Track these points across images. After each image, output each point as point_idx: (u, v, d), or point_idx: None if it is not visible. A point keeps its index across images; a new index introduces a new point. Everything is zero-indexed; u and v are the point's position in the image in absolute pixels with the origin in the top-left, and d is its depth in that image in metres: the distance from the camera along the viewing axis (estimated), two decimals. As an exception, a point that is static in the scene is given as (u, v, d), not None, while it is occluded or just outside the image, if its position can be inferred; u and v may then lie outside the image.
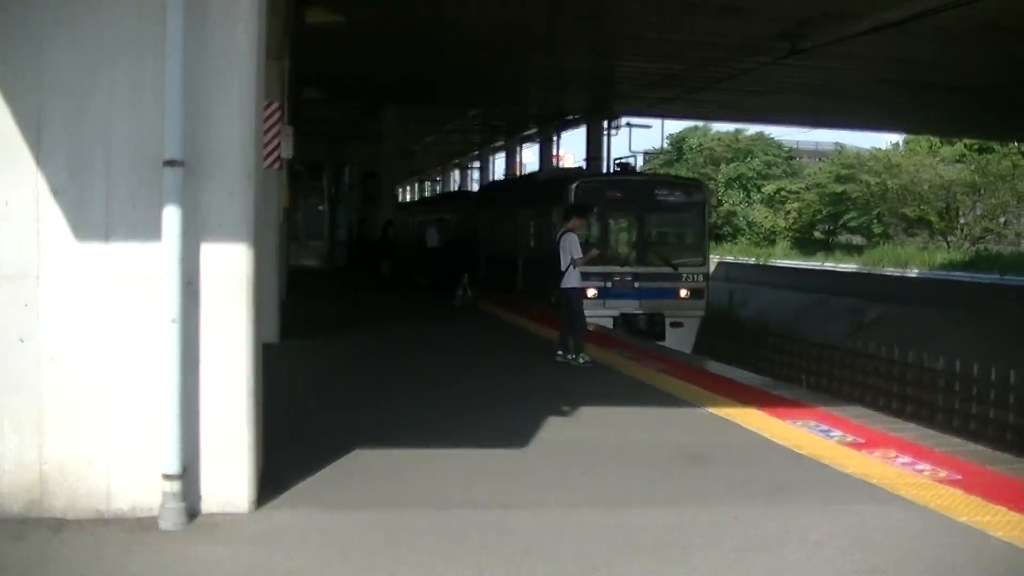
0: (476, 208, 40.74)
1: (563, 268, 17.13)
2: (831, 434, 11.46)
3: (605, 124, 42.62)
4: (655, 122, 45.89)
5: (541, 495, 8.87)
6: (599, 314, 24.53)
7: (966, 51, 26.38)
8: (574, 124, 46.12)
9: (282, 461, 9.03)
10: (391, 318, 25.06)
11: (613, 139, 42.90)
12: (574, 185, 27.16)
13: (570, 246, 17.19)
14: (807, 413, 12.66)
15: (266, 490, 8.24)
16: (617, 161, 32.71)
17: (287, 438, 9.90)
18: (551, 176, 34.57)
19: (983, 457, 10.66)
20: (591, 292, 23.83)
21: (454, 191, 68.27)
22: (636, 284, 26.63)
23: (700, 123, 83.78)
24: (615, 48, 30.88)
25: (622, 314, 26.22)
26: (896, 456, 10.42)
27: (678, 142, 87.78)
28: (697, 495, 9.03)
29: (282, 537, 7.51)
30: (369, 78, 36.37)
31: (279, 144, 16.96)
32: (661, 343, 24.59)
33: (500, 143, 57.58)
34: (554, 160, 50.06)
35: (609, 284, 26.15)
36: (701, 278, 27.35)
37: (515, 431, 11.17)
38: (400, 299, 30.96)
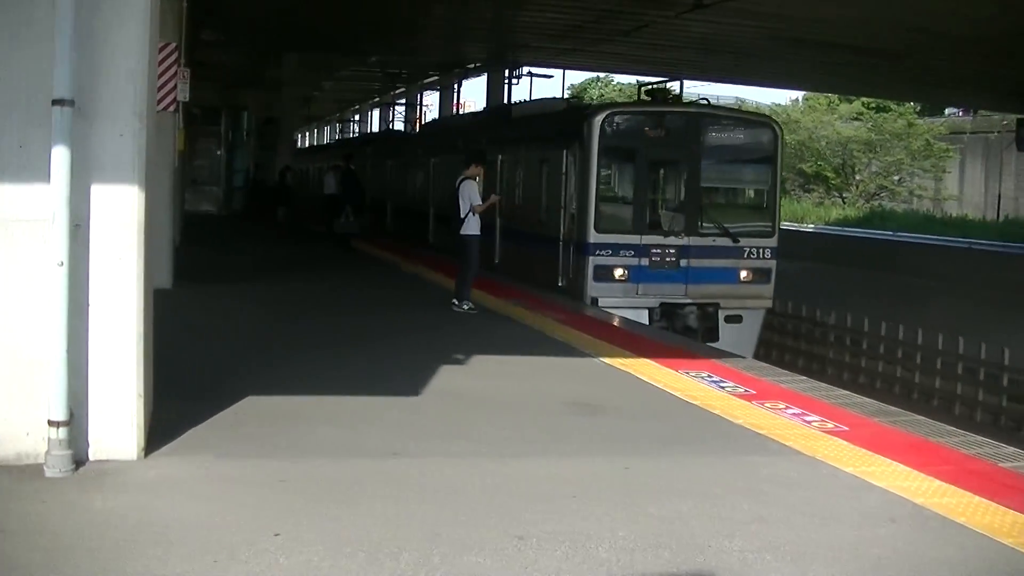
0: (416, 153, 33.38)
1: (462, 215, 17.14)
2: (723, 385, 11.63)
3: (506, 73, 42.46)
4: (557, 72, 45.84)
5: (434, 444, 8.86)
6: (630, 304, 19.03)
7: (864, 11, 26.64)
8: (476, 73, 45.85)
9: (173, 409, 8.90)
10: (287, 265, 24.76)
11: (514, 88, 42.79)
12: (600, 118, 19.38)
13: (469, 193, 17.20)
14: (700, 364, 12.83)
15: (156, 438, 8.13)
16: (649, 88, 22.17)
17: (179, 385, 9.74)
18: (547, 109, 25.45)
19: (870, 409, 10.92)
20: (618, 272, 19.02)
21: (366, 134, 65.09)
22: (683, 262, 19.50)
23: (602, 74, 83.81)
24: (519, -4, 30.60)
25: (662, 304, 19.26)
26: (786, 407, 10.61)
27: (579, 93, 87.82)
28: (589, 445, 9.10)
29: (170, 485, 7.41)
30: (268, 23, 35.77)
31: (175, 86, 16.62)
32: (712, 344, 18.42)
33: (401, 90, 57.13)
34: (455, 108, 49.79)
35: (644, 261, 19.18)
36: (768, 253, 20.08)
37: (410, 380, 11.13)
38: (296, 246, 30.69)
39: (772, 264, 20.08)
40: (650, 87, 22.02)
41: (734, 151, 20.69)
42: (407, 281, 22.94)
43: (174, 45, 16.95)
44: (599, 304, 18.69)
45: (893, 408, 10.92)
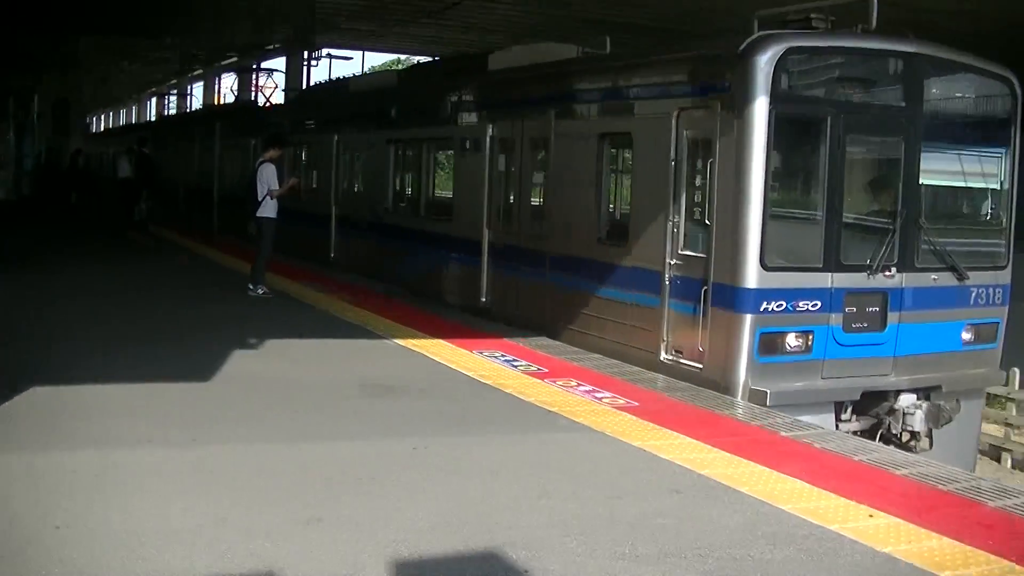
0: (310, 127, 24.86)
1: (259, 199, 16.85)
2: (516, 364, 11.71)
3: (305, 55, 41.86)
4: (356, 54, 45.38)
5: (226, 430, 8.68)
6: (814, 398, 11.34)
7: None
8: (276, 54, 45.07)
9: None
10: (79, 251, 23.90)
11: (314, 71, 42.26)
12: (771, 56, 10.95)
13: (268, 177, 16.92)
14: (493, 344, 12.88)
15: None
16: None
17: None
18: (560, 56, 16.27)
19: (660, 384, 11.17)
20: (794, 341, 11.15)
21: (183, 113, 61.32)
22: (890, 317, 11.68)
23: (402, 57, 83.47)
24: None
25: (864, 394, 11.64)
26: (578, 385, 10.74)
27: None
28: (382, 427, 9.04)
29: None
30: (60, 4, 34.43)
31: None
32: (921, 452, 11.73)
33: (199, 72, 55.81)
34: (254, 90, 48.88)
35: (836, 319, 11.35)
36: (999, 296, 12.59)
37: (204, 365, 10.88)
38: (90, 230, 29.68)
39: (1002, 314, 12.66)
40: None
41: (963, 124, 12.80)
42: (202, 266, 22.39)
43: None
44: (769, 402, 10.75)
45: (683, 383, 11.15)
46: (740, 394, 10.91)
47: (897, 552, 6.30)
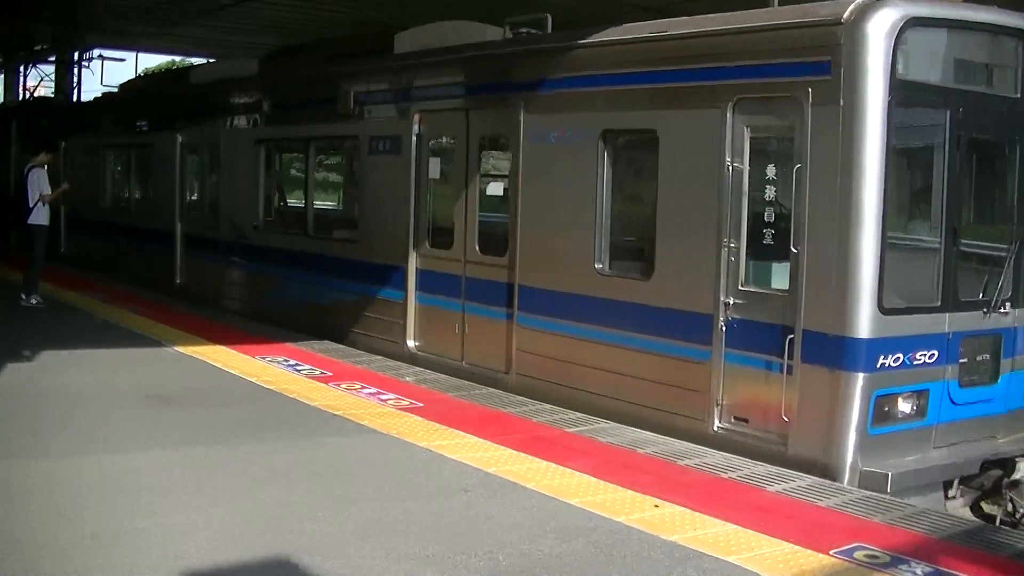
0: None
1: (31, 205, 16.24)
2: (299, 368, 11.57)
3: (76, 56, 40.40)
4: (130, 55, 44.02)
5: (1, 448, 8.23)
6: (929, 476, 8.90)
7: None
8: (44, 55, 43.32)
9: None
10: None
11: (85, 73, 40.73)
12: (886, 27, 8.41)
13: (38, 181, 16.36)
14: (276, 349, 12.70)
15: None
16: None
17: None
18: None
19: (444, 385, 11.14)
20: (906, 406, 8.81)
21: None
22: (1004, 362, 9.52)
23: (177, 59, 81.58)
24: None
25: (984, 464, 9.11)
26: (362, 387, 10.69)
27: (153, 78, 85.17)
28: (166, 437, 8.74)
29: None
30: None
31: None
32: None
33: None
34: (23, 91, 46.81)
35: (952, 372, 9.08)
36: None
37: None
38: None
39: None
40: None
41: None
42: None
43: None
44: (890, 488, 8.27)
45: (466, 383, 11.18)
46: (847, 478, 8.34)
47: (683, 540, 6.45)
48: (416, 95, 13.04)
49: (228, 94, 17.62)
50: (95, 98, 29.72)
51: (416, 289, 12.68)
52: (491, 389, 10.98)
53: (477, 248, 11.87)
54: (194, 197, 18.89)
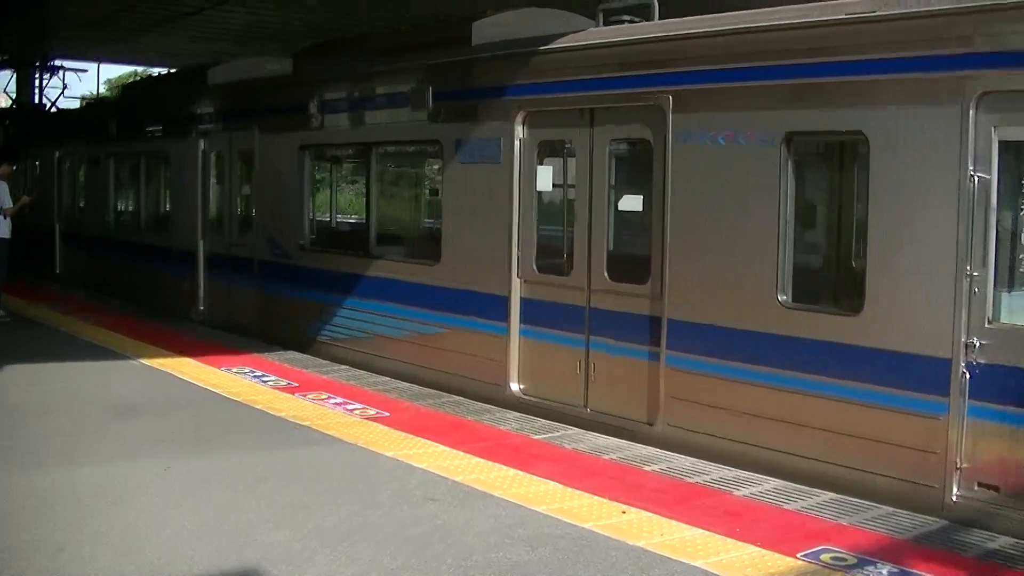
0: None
1: None
2: (266, 379, 11.53)
3: (38, 66, 40.11)
4: (92, 66, 43.73)
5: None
6: None
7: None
8: (4, 67, 42.99)
9: None
10: None
11: (47, 83, 40.41)
12: None
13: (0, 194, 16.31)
14: (242, 360, 12.65)
15: None
16: None
17: None
18: None
19: (410, 394, 11.11)
20: None
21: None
22: None
23: (140, 69, 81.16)
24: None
25: None
26: (328, 397, 10.66)
27: (118, 88, 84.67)
28: (132, 448, 8.69)
29: None
30: None
31: None
32: None
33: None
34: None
35: None
36: None
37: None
38: None
39: None
40: None
41: None
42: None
43: None
44: None
45: (433, 391, 11.16)
46: None
47: (651, 545, 6.45)
48: (518, 91, 11.09)
49: (264, 94, 15.60)
50: (89, 103, 28.73)
51: (522, 321, 10.87)
52: (455, 397, 10.92)
53: (606, 274, 10.12)
54: (222, 211, 16.54)
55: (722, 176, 9.05)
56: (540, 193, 10.89)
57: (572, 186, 10.60)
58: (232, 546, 6.33)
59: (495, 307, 10.94)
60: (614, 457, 8.71)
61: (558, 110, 10.64)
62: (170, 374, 11.86)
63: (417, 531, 6.72)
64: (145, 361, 12.58)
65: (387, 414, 9.97)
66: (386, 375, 12.08)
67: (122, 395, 10.85)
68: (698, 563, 6.15)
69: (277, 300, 14.69)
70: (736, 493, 7.74)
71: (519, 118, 10.87)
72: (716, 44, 9.21)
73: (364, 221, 13.96)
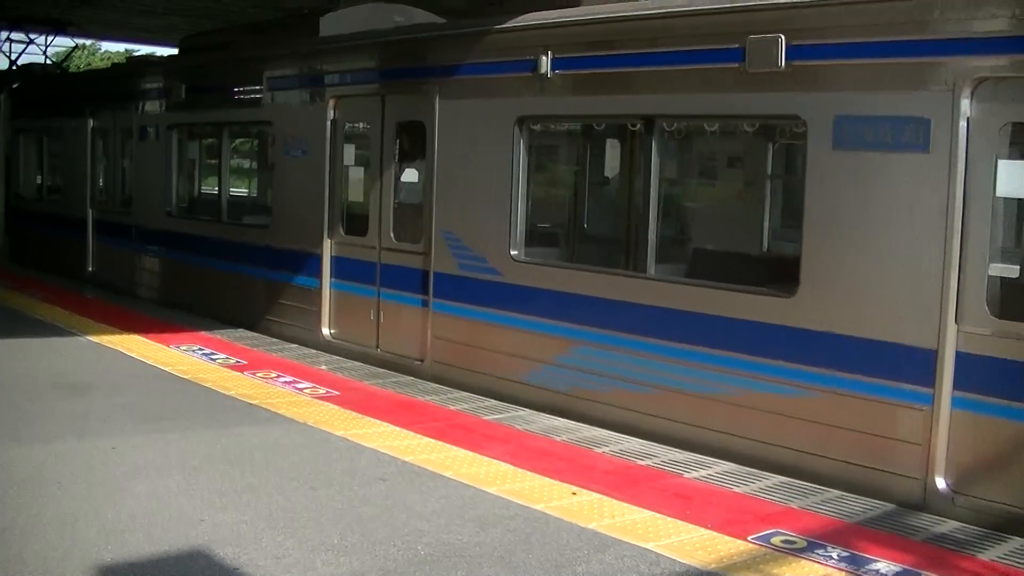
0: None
1: None
2: (214, 357, 11.41)
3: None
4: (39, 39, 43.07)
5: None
6: None
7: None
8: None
9: None
10: None
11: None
12: None
13: None
14: (191, 338, 12.53)
15: None
16: None
17: None
18: None
19: (360, 373, 11.06)
20: None
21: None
22: None
23: (86, 42, 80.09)
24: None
25: None
26: (277, 376, 10.57)
27: (62, 60, 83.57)
28: (77, 427, 8.56)
29: None
30: None
31: None
32: None
33: None
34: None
35: None
36: None
37: None
38: None
39: None
40: None
41: None
42: None
43: None
44: None
45: (382, 370, 11.11)
46: None
47: (602, 527, 6.44)
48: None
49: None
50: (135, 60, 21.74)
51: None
52: (404, 376, 10.89)
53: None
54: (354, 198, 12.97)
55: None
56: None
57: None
58: (179, 527, 6.25)
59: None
60: (566, 438, 8.70)
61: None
62: (118, 351, 11.72)
63: (368, 511, 6.67)
64: (92, 338, 12.42)
65: (337, 393, 9.91)
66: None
67: (69, 372, 10.69)
68: (649, 545, 6.14)
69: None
70: (687, 476, 7.74)
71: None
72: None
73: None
